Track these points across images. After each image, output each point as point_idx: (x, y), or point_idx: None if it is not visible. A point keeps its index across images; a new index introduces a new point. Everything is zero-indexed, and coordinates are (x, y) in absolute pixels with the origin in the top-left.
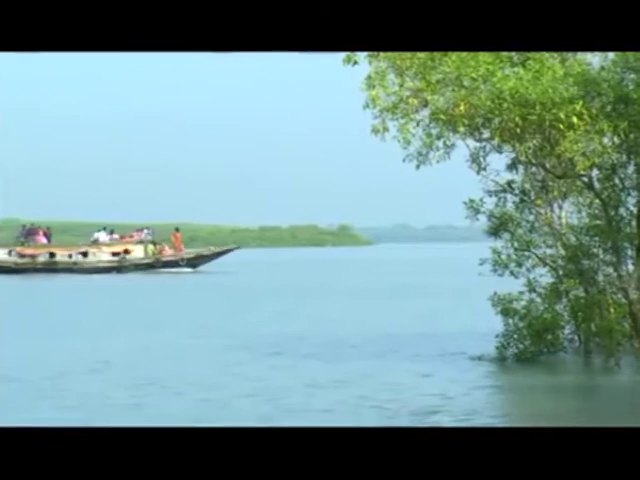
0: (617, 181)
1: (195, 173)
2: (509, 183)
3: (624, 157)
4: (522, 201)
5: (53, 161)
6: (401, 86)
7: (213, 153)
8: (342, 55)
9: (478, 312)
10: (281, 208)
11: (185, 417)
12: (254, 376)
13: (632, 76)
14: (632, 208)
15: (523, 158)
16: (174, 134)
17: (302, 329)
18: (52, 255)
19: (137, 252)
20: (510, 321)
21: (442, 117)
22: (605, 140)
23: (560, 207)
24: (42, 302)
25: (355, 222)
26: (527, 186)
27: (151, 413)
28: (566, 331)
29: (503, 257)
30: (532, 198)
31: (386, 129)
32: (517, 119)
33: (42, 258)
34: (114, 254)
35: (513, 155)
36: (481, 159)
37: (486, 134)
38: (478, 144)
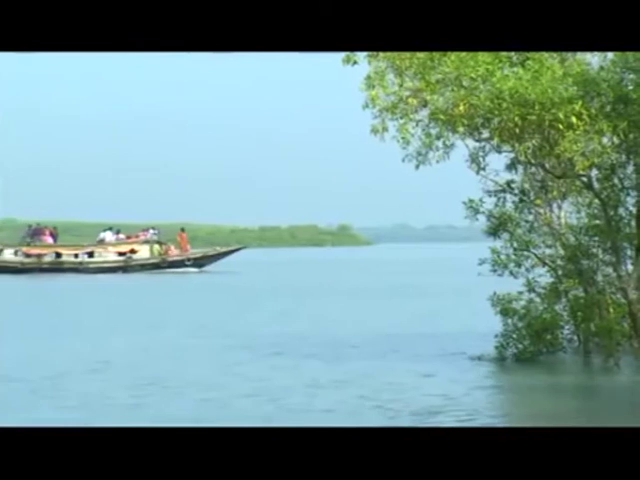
0: (616, 181)
1: (195, 173)
2: (508, 183)
3: (623, 157)
4: (521, 201)
5: (53, 161)
6: (400, 86)
7: (213, 153)
8: (342, 55)
9: (478, 312)
10: (281, 208)
11: (186, 417)
12: (255, 376)
13: (631, 76)
14: (631, 208)
15: (522, 158)
16: (174, 134)
17: (303, 329)
18: (58, 255)
19: (143, 252)
20: (509, 321)
21: (441, 117)
22: (604, 140)
23: (559, 207)
24: (47, 302)
25: (355, 222)
26: (526, 186)
27: (152, 413)
28: (565, 331)
29: (502, 257)
30: (531, 198)
31: (385, 129)
32: (516, 119)
33: (48, 258)
34: (120, 254)
35: (512, 155)
36: (480, 159)
37: (485, 134)
38: (477, 144)
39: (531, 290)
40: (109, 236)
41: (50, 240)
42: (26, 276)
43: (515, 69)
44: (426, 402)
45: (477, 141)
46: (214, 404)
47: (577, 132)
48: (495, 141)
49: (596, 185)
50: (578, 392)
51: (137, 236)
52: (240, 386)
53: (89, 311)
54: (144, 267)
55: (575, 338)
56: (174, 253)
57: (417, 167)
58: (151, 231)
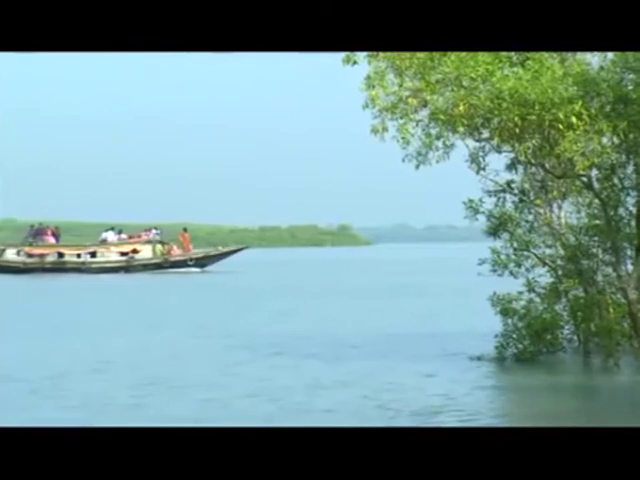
0: (616, 181)
1: (195, 173)
2: (508, 183)
3: (623, 157)
4: (521, 201)
5: (53, 161)
6: (400, 86)
7: (212, 153)
8: (342, 55)
9: (477, 312)
10: (280, 208)
11: (188, 417)
12: (256, 376)
13: (631, 76)
14: (631, 208)
15: (522, 158)
16: (174, 134)
17: (303, 329)
18: (60, 255)
19: (145, 252)
20: (509, 321)
21: (441, 117)
22: (604, 140)
23: (559, 207)
24: (50, 302)
25: (354, 222)
26: (526, 186)
27: (153, 413)
28: (565, 331)
29: (502, 257)
30: (531, 198)
31: (385, 129)
32: (516, 119)
33: (50, 258)
34: (122, 254)
35: (512, 155)
36: (480, 159)
37: (485, 134)
38: (477, 144)
39: (531, 290)
40: (111, 236)
41: (52, 240)
42: (29, 276)
43: (515, 69)
44: (426, 402)
45: (477, 141)
46: (215, 404)
47: (577, 132)
48: (495, 141)
49: (596, 185)
50: (578, 392)
51: (139, 236)
52: (241, 386)
53: (91, 311)
54: (146, 267)
55: (575, 338)
56: (176, 253)
57: (417, 167)
58: (153, 231)
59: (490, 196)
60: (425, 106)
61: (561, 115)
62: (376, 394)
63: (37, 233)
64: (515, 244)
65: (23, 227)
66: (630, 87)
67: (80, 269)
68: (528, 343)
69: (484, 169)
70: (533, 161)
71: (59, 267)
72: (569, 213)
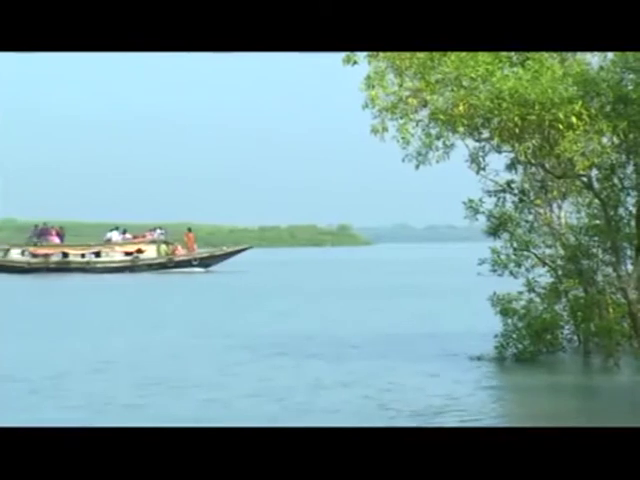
0: (616, 181)
1: (194, 173)
2: (508, 183)
3: (623, 157)
4: (521, 201)
5: (53, 161)
6: (400, 86)
7: (212, 153)
8: (342, 55)
9: (477, 312)
10: (280, 208)
11: (189, 417)
12: (258, 376)
13: (631, 76)
14: (631, 208)
15: (522, 158)
16: (173, 134)
17: (304, 329)
18: (65, 255)
19: (150, 252)
20: (509, 321)
21: (441, 117)
22: (604, 140)
23: (559, 207)
24: (53, 302)
25: (354, 222)
26: (526, 186)
27: (155, 413)
28: (565, 331)
29: (502, 257)
30: (531, 198)
31: (385, 129)
32: (516, 119)
33: (55, 258)
34: (127, 254)
35: (512, 155)
36: (480, 159)
37: (485, 134)
38: (477, 144)
39: (531, 290)
40: (116, 236)
41: (57, 240)
42: (33, 276)
43: (515, 69)
44: (427, 402)
45: (477, 141)
46: (216, 404)
47: (577, 132)
48: (495, 141)
49: (596, 185)
50: (578, 392)
51: (144, 236)
52: (243, 386)
53: (94, 311)
54: (151, 267)
55: (575, 338)
56: (181, 253)
57: (417, 167)
58: (158, 231)
59: (490, 196)
60: (425, 106)
61: (561, 115)
62: (377, 394)
63: (41, 233)
64: (515, 244)
65: (23, 227)
66: (630, 87)
67: (84, 269)
68: (528, 343)
69: (484, 169)
70: (533, 161)
71: (63, 267)
72: (569, 213)
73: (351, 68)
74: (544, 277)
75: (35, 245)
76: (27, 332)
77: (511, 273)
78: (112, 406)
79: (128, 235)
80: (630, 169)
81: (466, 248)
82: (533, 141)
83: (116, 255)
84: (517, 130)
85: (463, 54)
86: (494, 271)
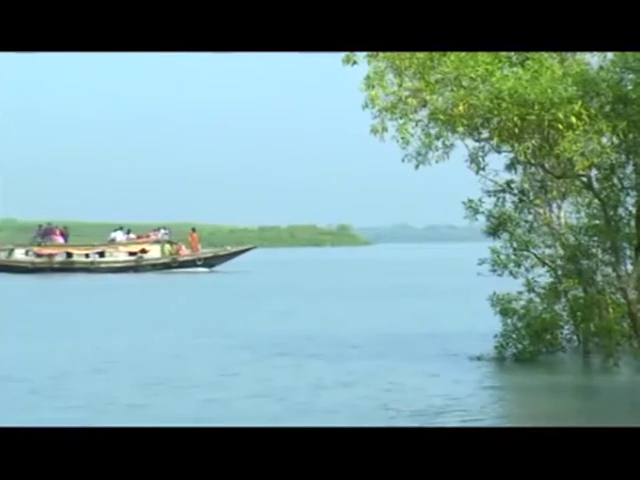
0: (616, 181)
1: (194, 173)
2: (508, 183)
3: (623, 157)
4: (521, 201)
5: (53, 161)
6: (400, 86)
7: (212, 153)
8: (342, 55)
9: (477, 312)
10: (280, 208)
11: (191, 417)
12: (258, 376)
13: (631, 76)
14: (631, 208)
15: (522, 158)
16: (173, 134)
17: (304, 329)
18: (69, 255)
19: (154, 252)
20: (509, 321)
21: (441, 117)
22: (604, 140)
23: (559, 207)
24: (57, 302)
25: (354, 222)
26: (526, 186)
27: (156, 413)
28: (565, 331)
29: (502, 257)
30: (531, 198)
31: (385, 129)
32: (516, 119)
33: (59, 258)
34: (131, 254)
35: (512, 155)
36: (480, 159)
37: (485, 134)
38: (477, 144)
39: (531, 290)
40: (120, 236)
41: (61, 240)
42: (37, 276)
43: (514, 69)
44: (427, 402)
45: (477, 141)
46: (218, 404)
47: (576, 132)
48: (494, 141)
49: (596, 185)
50: (578, 392)
51: (148, 236)
52: (244, 386)
53: (97, 311)
54: (155, 267)
55: (575, 338)
56: (185, 253)
57: (417, 167)
58: (162, 231)
59: (490, 196)
60: (425, 106)
61: (561, 115)
62: (377, 394)
63: (45, 233)
64: (515, 244)
65: (23, 227)
66: (630, 87)
67: (89, 269)
68: (528, 343)
69: (484, 169)
70: (533, 161)
71: (67, 267)
72: (569, 213)
73: (351, 68)
74: (544, 277)
75: (39, 245)
76: (29, 332)
77: (511, 273)
78: (114, 406)
79: (132, 235)
80: (630, 169)
81: (466, 248)
82: (533, 141)
83: (120, 255)
84: (517, 130)
85: (463, 54)
86: (494, 271)
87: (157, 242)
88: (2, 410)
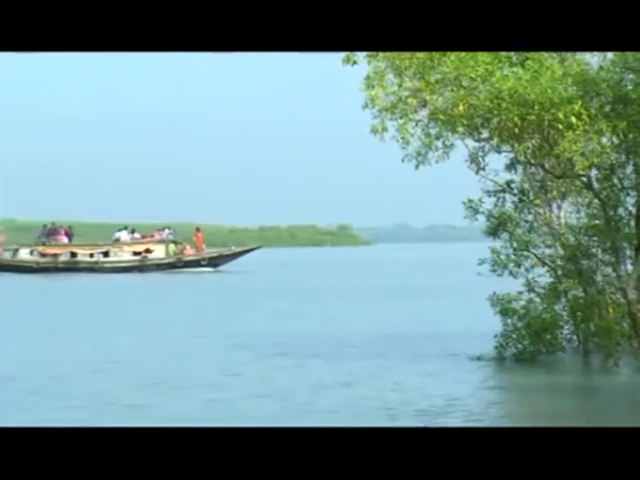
0: (616, 181)
1: (194, 173)
2: (508, 183)
3: (623, 157)
4: (521, 201)
5: (53, 161)
6: (400, 86)
7: (212, 153)
8: (342, 55)
9: (477, 312)
10: (280, 208)
11: (192, 417)
12: (259, 376)
13: (631, 76)
14: (631, 208)
15: (522, 158)
16: (173, 134)
17: (305, 329)
18: (73, 255)
19: (158, 252)
20: (509, 321)
21: (441, 117)
22: (604, 140)
23: (559, 207)
24: (60, 302)
25: (354, 222)
26: (526, 186)
27: (157, 413)
28: (565, 331)
29: (502, 257)
30: (531, 198)
31: (385, 129)
32: (516, 119)
33: (64, 258)
34: (135, 253)
35: (512, 155)
36: (480, 159)
37: (485, 134)
38: (477, 144)
39: (531, 290)
40: (124, 235)
41: (65, 240)
42: (41, 276)
43: (514, 69)
44: (428, 402)
45: (477, 141)
46: (219, 404)
47: (576, 132)
48: (494, 141)
49: (596, 185)
50: (578, 392)
51: (152, 236)
52: (244, 386)
53: (101, 311)
54: (159, 267)
55: (575, 338)
56: (190, 253)
57: (417, 167)
58: (167, 231)
59: (490, 196)
60: (425, 106)
61: (560, 115)
62: (377, 394)
63: (50, 233)
64: (515, 244)
65: (23, 227)
66: (630, 87)
67: (93, 269)
68: (528, 343)
69: (484, 169)
70: (533, 161)
71: (72, 267)
72: (569, 213)
73: (351, 68)
74: (544, 277)
75: (44, 245)
76: (32, 332)
77: (511, 273)
78: (115, 406)
79: (137, 235)
80: (630, 169)
81: (466, 248)
82: (533, 141)
83: (124, 255)
84: (517, 130)
85: (463, 54)
86: (494, 271)
87: (161, 242)
88: (2, 410)
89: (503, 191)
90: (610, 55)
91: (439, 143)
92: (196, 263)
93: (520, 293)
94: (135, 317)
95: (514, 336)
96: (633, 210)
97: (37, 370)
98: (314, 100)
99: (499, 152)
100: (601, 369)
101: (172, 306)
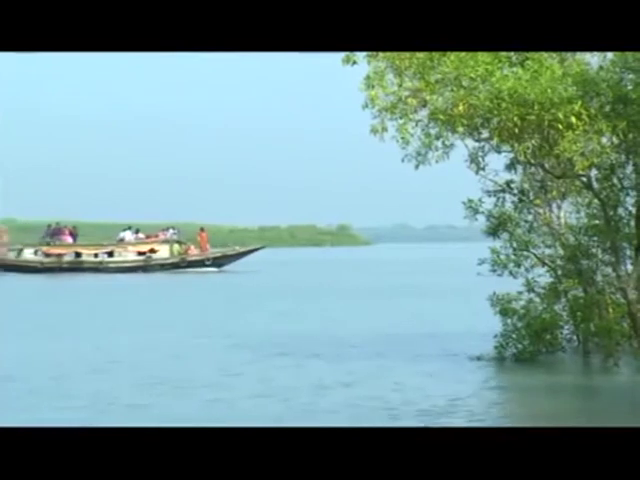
0: (616, 181)
1: (194, 173)
2: (508, 183)
3: (623, 157)
4: (521, 201)
5: (53, 161)
6: (400, 86)
7: (212, 153)
8: (342, 55)
9: (477, 312)
10: (280, 208)
11: (194, 417)
12: (259, 376)
13: (631, 76)
14: (631, 208)
15: (522, 158)
16: (173, 134)
17: (305, 329)
18: (78, 255)
19: (163, 252)
20: (509, 321)
21: (441, 117)
22: (604, 140)
23: (559, 207)
24: (64, 302)
25: (354, 222)
26: (526, 186)
27: (158, 413)
28: (565, 331)
29: (502, 257)
30: (531, 198)
31: (385, 129)
32: (516, 119)
33: (68, 258)
34: (140, 253)
35: (512, 155)
36: (480, 159)
37: (485, 134)
38: (477, 144)
39: (530, 290)
40: (128, 235)
41: (70, 240)
42: (46, 276)
43: (514, 69)
44: (428, 402)
45: (476, 141)
46: (220, 404)
47: (576, 132)
48: (494, 141)
49: (595, 185)
50: (578, 392)
51: (157, 235)
52: (245, 386)
53: (104, 311)
54: (164, 267)
55: (574, 338)
56: (194, 253)
57: (417, 167)
58: (171, 231)
59: (489, 196)
60: (424, 106)
61: (560, 115)
62: (377, 394)
63: (54, 233)
64: (514, 244)
65: (23, 227)
66: (629, 87)
67: (98, 269)
68: (527, 343)
69: (483, 169)
70: (532, 161)
71: (76, 267)
72: (568, 213)
73: (351, 68)
74: (543, 277)
75: (48, 245)
76: (34, 332)
77: (510, 273)
78: (115, 406)
79: (141, 235)
80: (629, 169)
81: (466, 248)
82: (532, 141)
83: (129, 255)
84: (516, 130)
85: (463, 54)
86: (494, 271)
87: (166, 242)
88: (2, 410)
89: (503, 191)
90: (610, 55)
91: (439, 143)
92: (200, 263)
93: (520, 293)
94: (138, 317)
95: (514, 336)
96: (633, 210)
97: (38, 370)
98: (314, 100)
99: (499, 152)
100: (601, 369)
101: (175, 306)
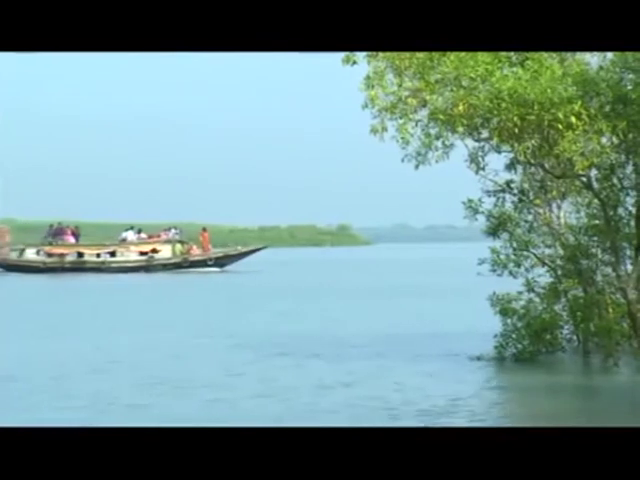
0: (616, 181)
1: (194, 173)
2: (508, 183)
3: (623, 157)
4: (521, 201)
5: (53, 161)
6: (400, 86)
7: (212, 153)
8: (342, 55)
9: (477, 312)
10: (280, 208)
11: (195, 417)
12: (260, 376)
13: (631, 76)
14: (631, 208)
15: (522, 158)
16: (173, 134)
17: (305, 329)
18: (80, 255)
19: (165, 252)
20: (509, 321)
21: (441, 117)
22: (604, 140)
23: (559, 207)
24: (66, 302)
25: (354, 222)
26: (526, 186)
27: (159, 413)
28: (565, 331)
29: (502, 257)
30: (531, 198)
31: (385, 129)
32: (516, 119)
33: (70, 258)
34: (142, 253)
35: (512, 155)
36: (480, 159)
37: (485, 134)
38: (477, 144)
39: (530, 290)
40: (131, 235)
41: (72, 240)
42: (48, 276)
43: (514, 69)
44: (428, 402)
45: (476, 141)
46: (221, 404)
47: (576, 132)
48: (494, 141)
49: (595, 185)
50: (578, 392)
51: (159, 235)
52: (247, 386)
53: (106, 311)
54: (166, 267)
55: (574, 338)
56: (196, 253)
57: (417, 167)
58: (173, 230)
59: (489, 196)
60: (424, 106)
61: (560, 115)
62: (377, 394)
63: (57, 233)
64: (514, 244)
65: (23, 227)
66: (629, 87)
67: (100, 269)
68: (527, 343)
69: (483, 169)
70: (532, 161)
71: (79, 267)
72: (568, 213)
73: (351, 68)
74: (543, 277)
75: (50, 245)
76: (36, 332)
77: (510, 273)
78: (116, 406)
79: (143, 235)
80: (629, 169)
81: (466, 248)
82: (532, 141)
83: (131, 255)
84: (516, 130)
85: (463, 54)
86: (494, 271)
87: (168, 242)
88: (3, 410)
89: (503, 191)
90: (610, 55)
91: (439, 143)
92: (202, 263)
93: (520, 293)
94: (140, 317)
95: (514, 336)
96: (633, 210)
97: (39, 370)
98: (314, 100)
99: (499, 152)
100: (601, 369)
101: (177, 306)
